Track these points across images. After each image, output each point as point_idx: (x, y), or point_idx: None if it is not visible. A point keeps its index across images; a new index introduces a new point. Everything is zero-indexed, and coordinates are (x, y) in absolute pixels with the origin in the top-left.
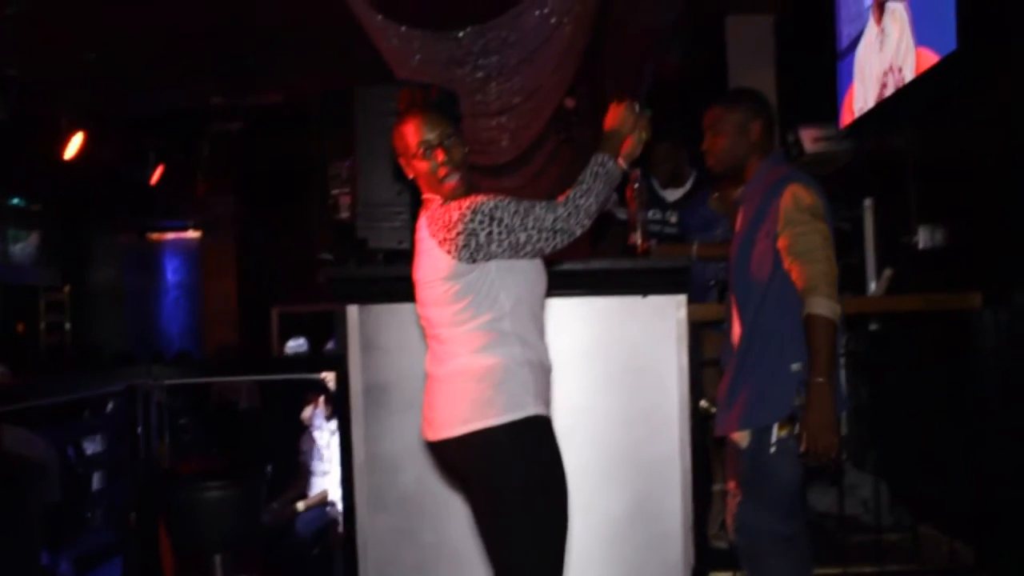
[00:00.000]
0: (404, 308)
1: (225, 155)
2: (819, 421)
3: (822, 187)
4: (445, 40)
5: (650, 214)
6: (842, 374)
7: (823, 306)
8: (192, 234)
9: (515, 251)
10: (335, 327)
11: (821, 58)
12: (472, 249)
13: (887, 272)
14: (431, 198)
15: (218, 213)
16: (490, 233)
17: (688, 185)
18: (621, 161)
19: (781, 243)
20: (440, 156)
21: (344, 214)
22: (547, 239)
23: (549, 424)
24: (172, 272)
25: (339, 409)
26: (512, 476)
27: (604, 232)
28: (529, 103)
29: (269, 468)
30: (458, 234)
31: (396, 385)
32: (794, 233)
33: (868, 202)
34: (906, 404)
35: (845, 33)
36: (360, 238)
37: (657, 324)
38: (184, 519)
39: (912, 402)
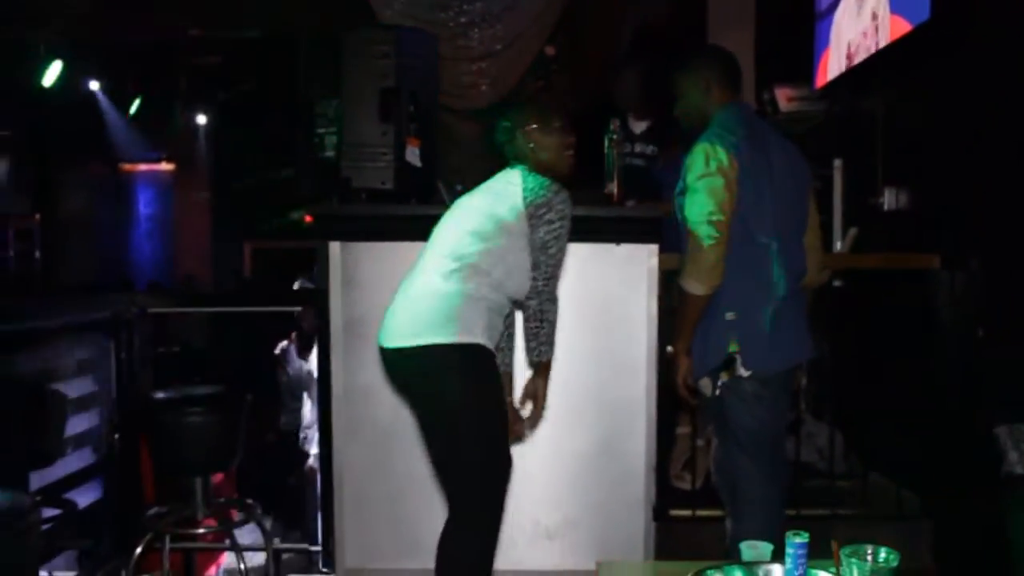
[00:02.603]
0: (384, 246)
1: (202, 88)
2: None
3: (797, 143)
4: None
5: None
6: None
7: (688, 283)
8: (166, 167)
9: (539, 252)
10: (316, 262)
11: (800, 18)
12: (535, 214)
13: (852, 231)
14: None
15: (193, 146)
16: (550, 220)
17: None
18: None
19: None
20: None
21: (329, 153)
22: (547, 276)
23: (493, 356)
24: (144, 204)
25: (319, 341)
26: (453, 390)
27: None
28: (510, 50)
29: (250, 397)
30: (540, 195)
31: (374, 318)
32: (686, 197)
33: (838, 162)
34: (864, 358)
35: None
36: (344, 177)
37: (629, 271)
38: (167, 442)
39: (870, 357)
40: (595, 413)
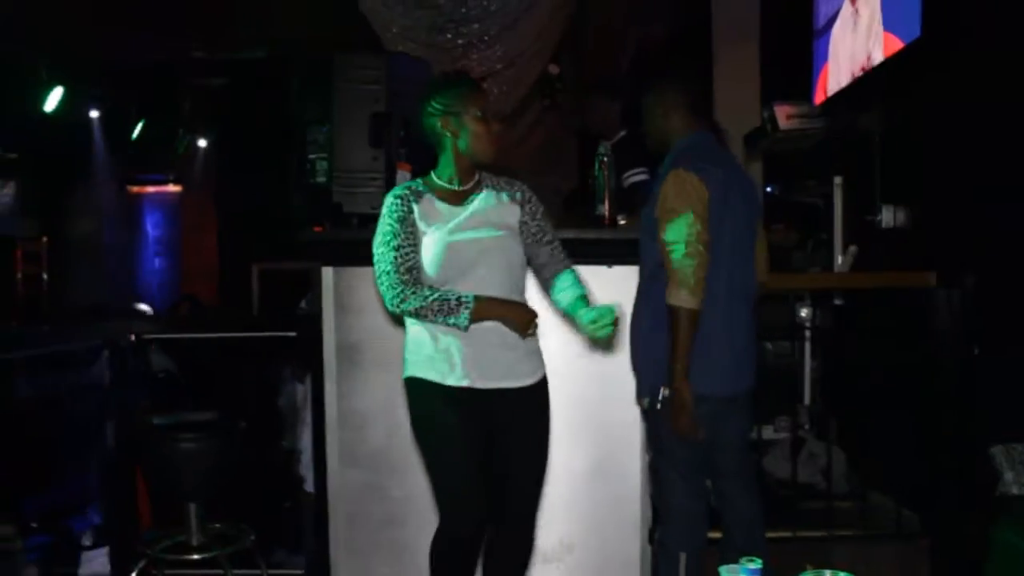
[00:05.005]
0: None
1: (207, 110)
2: (676, 404)
3: (732, 169)
4: (426, 7)
5: None
6: (806, 347)
7: (679, 297)
8: (173, 188)
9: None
10: (311, 287)
11: (800, 35)
12: None
13: (852, 249)
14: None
15: (199, 168)
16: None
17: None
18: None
19: (659, 227)
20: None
21: (321, 178)
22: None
23: (428, 385)
24: (152, 226)
25: (313, 367)
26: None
27: (575, 203)
28: (511, 69)
29: (243, 424)
30: None
31: (368, 344)
32: (663, 220)
33: (838, 180)
34: (865, 377)
35: (823, 12)
36: (335, 203)
37: (622, 292)
38: (161, 468)
39: (870, 375)
40: (590, 435)
